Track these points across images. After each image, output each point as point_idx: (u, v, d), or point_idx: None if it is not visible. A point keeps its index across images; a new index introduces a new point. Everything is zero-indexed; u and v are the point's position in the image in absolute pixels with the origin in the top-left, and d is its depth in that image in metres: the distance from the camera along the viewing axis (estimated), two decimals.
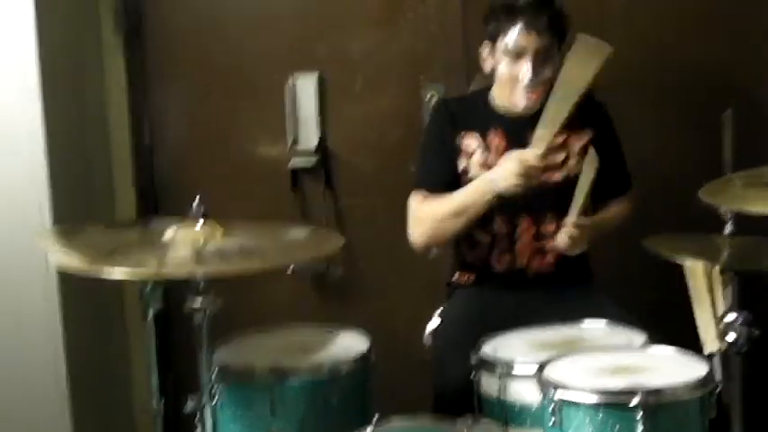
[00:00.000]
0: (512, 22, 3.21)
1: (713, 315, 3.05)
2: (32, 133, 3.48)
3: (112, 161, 4.04)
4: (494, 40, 3.27)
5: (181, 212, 3.23)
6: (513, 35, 3.21)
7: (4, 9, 3.45)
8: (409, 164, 3.83)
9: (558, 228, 3.26)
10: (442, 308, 3.43)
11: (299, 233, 2.84)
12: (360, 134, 4.02)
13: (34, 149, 3.50)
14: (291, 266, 3.84)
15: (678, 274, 3.09)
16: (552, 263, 3.34)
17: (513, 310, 3.23)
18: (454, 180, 3.32)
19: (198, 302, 2.64)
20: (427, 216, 3.31)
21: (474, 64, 3.71)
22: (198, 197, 2.70)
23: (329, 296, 4.05)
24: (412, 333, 3.43)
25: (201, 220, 2.67)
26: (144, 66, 4.04)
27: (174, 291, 2.80)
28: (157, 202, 4.07)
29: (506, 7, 3.24)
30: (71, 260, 2.56)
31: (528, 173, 3.15)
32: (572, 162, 3.32)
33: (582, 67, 3.15)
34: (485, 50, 3.32)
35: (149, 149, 4.08)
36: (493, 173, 3.20)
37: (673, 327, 2.96)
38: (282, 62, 3.99)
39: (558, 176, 3.31)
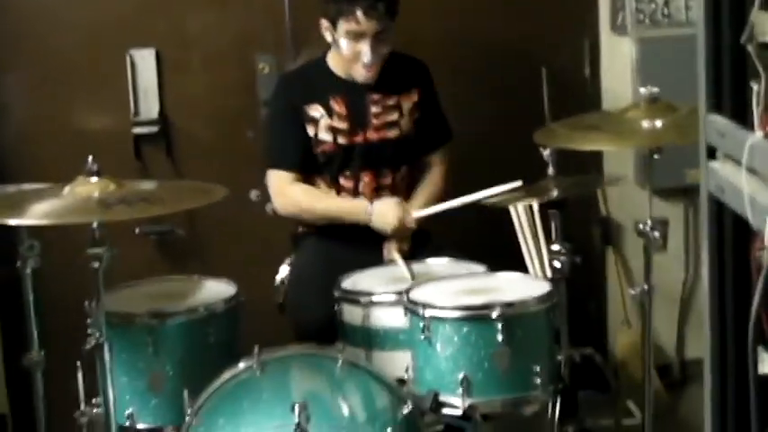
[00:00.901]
0: (352, 8, 3.52)
1: (537, 247, 3.52)
2: None
3: None
4: (333, 21, 3.59)
5: (30, 180, 3.50)
6: (354, 19, 3.53)
7: None
8: (244, 129, 4.18)
9: (394, 180, 3.67)
10: (290, 257, 3.75)
11: (183, 185, 3.12)
12: (198, 104, 4.29)
13: None
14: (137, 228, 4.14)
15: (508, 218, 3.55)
16: None
17: (358, 256, 3.56)
18: (307, 150, 3.66)
19: (96, 250, 2.87)
20: (295, 200, 3.68)
21: (300, 38, 4.07)
22: (91, 156, 2.94)
23: (174, 256, 4.29)
24: (259, 283, 3.72)
25: (95, 177, 2.90)
26: None
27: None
28: (3, 172, 4.21)
29: None
30: None
31: (402, 233, 3.56)
32: (404, 121, 3.70)
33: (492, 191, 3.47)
34: (324, 24, 3.63)
35: None
36: (374, 213, 3.57)
37: (506, 263, 3.37)
38: (121, 38, 4.21)
39: (392, 134, 3.69)
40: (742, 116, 1.85)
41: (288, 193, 3.67)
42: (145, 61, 4.22)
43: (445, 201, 3.63)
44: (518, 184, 3.40)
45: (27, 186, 3.37)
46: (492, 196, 3.43)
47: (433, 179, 3.76)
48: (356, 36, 3.55)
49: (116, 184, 2.91)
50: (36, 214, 2.81)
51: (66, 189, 2.91)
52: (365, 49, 3.55)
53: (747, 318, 1.75)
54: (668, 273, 4.19)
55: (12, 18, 4.20)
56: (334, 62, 3.70)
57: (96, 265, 2.89)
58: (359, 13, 3.51)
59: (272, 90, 3.92)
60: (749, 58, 1.81)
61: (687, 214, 4.38)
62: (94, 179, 2.89)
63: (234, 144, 4.23)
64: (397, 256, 3.52)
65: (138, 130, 4.23)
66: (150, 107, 4.24)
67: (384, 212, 3.57)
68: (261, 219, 4.01)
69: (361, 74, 3.61)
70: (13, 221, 2.78)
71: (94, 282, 2.93)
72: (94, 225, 2.85)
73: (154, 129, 4.24)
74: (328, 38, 3.65)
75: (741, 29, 1.81)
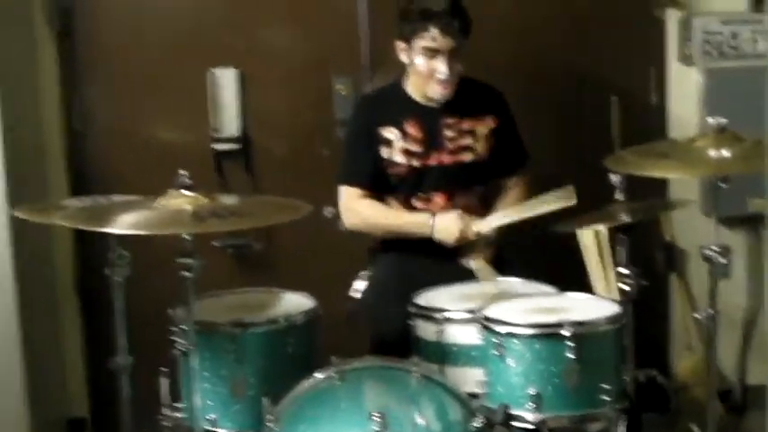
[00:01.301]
0: (427, 26, 3.67)
1: (604, 271, 3.63)
2: None
3: (44, 146, 4.39)
4: (408, 40, 3.73)
5: (113, 192, 3.67)
6: (429, 37, 3.67)
7: None
8: (320, 148, 4.35)
9: (468, 201, 3.81)
10: (366, 271, 3.90)
11: (270, 201, 3.28)
12: (276, 123, 4.48)
13: None
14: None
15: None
16: None
17: (431, 272, 3.68)
18: (379, 171, 3.81)
19: (187, 261, 3.03)
20: (362, 215, 3.83)
21: (377, 60, 4.22)
22: (182, 171, 3.10)
23: (250, 269, 4.46)
24: (333, 298, 3.83)
25: (188, 190, 3.05)
26: (75, 60, 4.40)
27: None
28: (87, 182, 4.40)
29: (422, 13, 3.69)
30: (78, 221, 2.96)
31: (462, 241, 3.68)
32: (478, 145, 3.83)
33: (547, 206, 3.59)
34: (400, 46, 3.78)
35: (81, 136, 4.43)
36: (437, 223, 3.70)
37: (572, 286, 3.49)
38: (203, 57, 4.41)
39: (467, 158, 3.82)
40: None
41: (354, 208, 3.82)
42: (226, 79, 4.39)
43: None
44: (572, 201, 3.52)
45: (118, 198, 3.52)
46: (548, 210, 3.54)
47: (510, 199, 3.87)
48: (432, 53, 3.68)
49: (207, 198, 3.06)
50: (130, 224, 2.96)
51: (160, 201, 3.06)
52: (441, 66, 3.68)
53: None
54: (731, 299, 4.27)
55: (98, 35, 4.42)
56: (410, 86, 3.84)
57: (187, 274, 3.04)
58: (435, 30, 3.65)
59: (347, 110, 4.13)
60: None
61: (750, 242, 4.47)
62: (186, 192, 3.04)
63: (310, 161, 4.40)
64: (481, 264, 3.64)
65: (218, 146, 4.41)
66: (231, 124, 4.42)
67: (445, 225, 3.70)
68: (334, 235, 4.14)
69: (436, 91, 3.75)
70: (110, 230, 2.94)
71: (185, 291, 3.08)
72: (186, 237, 3.01)
73: (234, 146, 4.41)
74: (404, 59, 3.78)
75: None
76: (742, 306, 4.50)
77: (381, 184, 3.81)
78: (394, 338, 3.47)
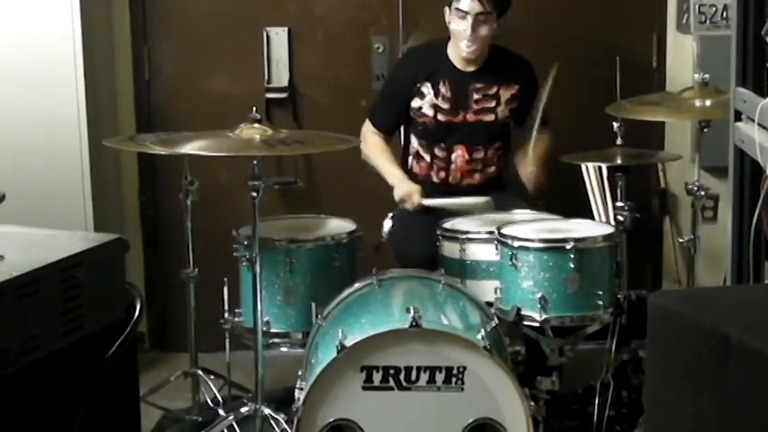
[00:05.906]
0: None
1: (603, 202, 4.22)
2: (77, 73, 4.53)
3: (117, 92, 4.99)
4: (450, 4, 4.31)
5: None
6: (461, 1, 4.26)
7: None
8: (358, 99, 4.92)
9: (486, 155, 4.39)
10: (394, 211, 4.44)
11: (325, 134, 3.88)
12: (321, 76, 5.06)
13: (79, 80, 4.51)
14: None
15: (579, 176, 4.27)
16: (478, 180, 4.44)
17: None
18: (400, 118, 4.45)
19: (255, 182, 3.61)
20: (366, 145, 4.46)
21: (411, 23, 4.81)
22: (254, 108, 3.69)
23: (295, 204, 5.03)
24: (366, 228, 4.27)
25: (257, 123, 3.64)
26: (145, 19, 5.00)
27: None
28: (152, 124, 5.01)
29: None
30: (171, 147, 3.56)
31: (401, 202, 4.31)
32: (500, 108, 4.38)
33: (467, 205, 4.22)
34: (446, 12, 4.33)
35: (147, 83, 5.03)
36: (397, 186, 4.32)
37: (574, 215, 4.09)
38: (259, 17, 4.99)
39: (488, 118, 4.38)
40: (761, 88, 2.57)
41: (365, 138, 4.46)
42: (278, 37, 4.98)
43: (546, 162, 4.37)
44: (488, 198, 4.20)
45: (189, 133, 4.09)
46: (468, 205, 4.19)
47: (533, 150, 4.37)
48: (461, 15, 4.24)
49: (273, 130, 3.65)
50: (213, 148, 3.55)
51: (233, 132, 3.64)
52: (466, 26, 4.24)
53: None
54: (717, 242, 4.82)
55: None
56: (451, 50, 4.40)
57: (254, 194, 3.62)
58: None
59: (383, 66, 4.84)
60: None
61: None
62: (257, 125, 3.63)
63: (349, 110, 4.94)
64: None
65: (270, 95, 5.00)
66: (281, 76, 5.00)
67: (400, 187, 4.30)
68: (369, 175, 4.70)
69: (462, 48, 4.30)
70: (198, 152, 3.52)
71: (252, 209, 3.64)
72: (255, 162, 3.60)
73: (283, 95, 5.00)
74: (448, 22, 4.32)
75: (762, 25, 2.53)
76: (727, 247, 5.04)
77: (398, 126, 4.45)
78: (421, 261, 4.02)
